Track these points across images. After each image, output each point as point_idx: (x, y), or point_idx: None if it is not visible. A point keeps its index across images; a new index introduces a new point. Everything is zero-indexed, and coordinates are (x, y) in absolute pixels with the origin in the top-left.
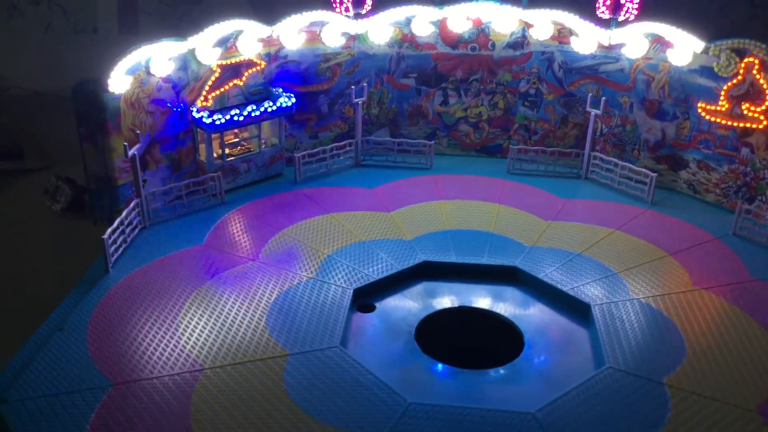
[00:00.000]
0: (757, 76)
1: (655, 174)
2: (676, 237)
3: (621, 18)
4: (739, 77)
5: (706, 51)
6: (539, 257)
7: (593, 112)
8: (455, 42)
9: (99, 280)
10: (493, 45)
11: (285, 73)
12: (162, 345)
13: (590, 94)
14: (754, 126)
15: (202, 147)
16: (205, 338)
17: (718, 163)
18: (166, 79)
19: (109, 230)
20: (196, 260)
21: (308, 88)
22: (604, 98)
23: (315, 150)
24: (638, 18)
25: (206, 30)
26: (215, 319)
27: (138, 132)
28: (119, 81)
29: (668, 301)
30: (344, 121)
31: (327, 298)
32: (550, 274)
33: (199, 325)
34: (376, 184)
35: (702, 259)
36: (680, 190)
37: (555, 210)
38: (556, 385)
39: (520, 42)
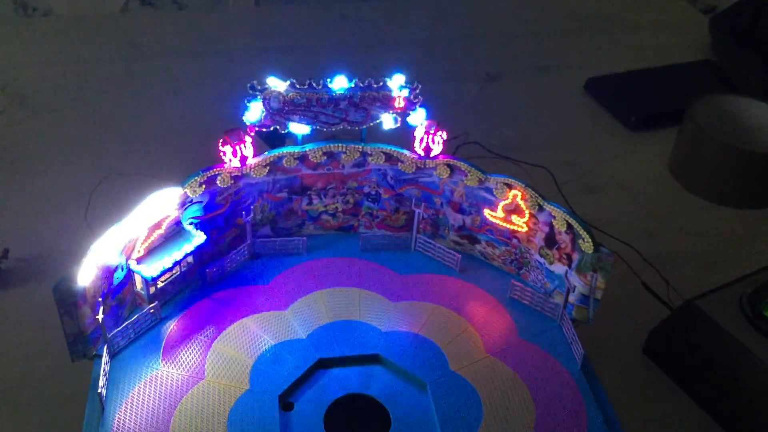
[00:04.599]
0: (520, 201)
1: (461, 255)
2: (475, 304)
3: (432, 154)
4: (510, 200)
5: (483, 181)
6: (392, 340)
7: (417, 210)
8: (315, 166)
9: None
10: (343, 166)
11: (191, 209)
12: None
13: (414, 197)
14: (518, 230)
15: (138, 279)
16: None
17: (499, 244)
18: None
19: (101, 387)
20: (162, 385)
21: (210, 215)
22: (423, 201)
23: (222, 258)
24: (444, 151)
25: (136, 210)
26: None
27: (100, 299)
28: (87, 275)
29: (472, 370)
30: (236, 228)
31: (259, 405)
32: (404, 356)
33: None
34: (270, 277)
35: (492, 325)
36: (477, 257)
37: (399, 290)
38: None
39: (361, 163)
